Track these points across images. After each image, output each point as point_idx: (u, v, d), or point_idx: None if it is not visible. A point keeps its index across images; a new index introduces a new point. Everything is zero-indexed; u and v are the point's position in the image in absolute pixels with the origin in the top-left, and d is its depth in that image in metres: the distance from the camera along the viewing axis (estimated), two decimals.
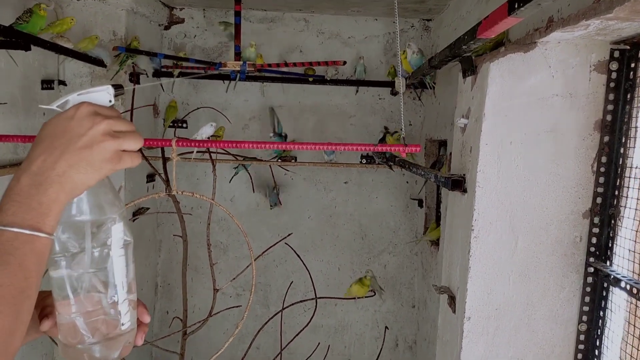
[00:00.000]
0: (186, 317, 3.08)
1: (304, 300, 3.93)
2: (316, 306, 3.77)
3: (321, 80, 3.76)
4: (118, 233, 0.80)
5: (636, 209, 1.73)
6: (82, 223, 0.77)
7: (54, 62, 3.08)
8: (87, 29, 3.12)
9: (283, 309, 3.80)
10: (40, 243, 0.70)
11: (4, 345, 0.67)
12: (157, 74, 3.74)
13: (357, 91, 4.00)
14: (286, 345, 3.86)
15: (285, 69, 3.61)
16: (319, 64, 3.45)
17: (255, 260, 1.65)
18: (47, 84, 2.98)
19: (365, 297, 3.66)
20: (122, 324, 0.81)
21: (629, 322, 1.73)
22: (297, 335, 3.80)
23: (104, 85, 0.79)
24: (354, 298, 3.66)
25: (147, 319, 0.88)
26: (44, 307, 0.85)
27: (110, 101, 0.79)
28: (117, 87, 0.80)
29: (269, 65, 3.35)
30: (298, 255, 3.86)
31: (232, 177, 4.01)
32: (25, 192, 0.70)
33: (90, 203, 0.78)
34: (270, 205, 4.08)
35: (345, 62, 3.46)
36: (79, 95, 0.77)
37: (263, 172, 4.15)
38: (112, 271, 0.80)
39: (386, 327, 4.26)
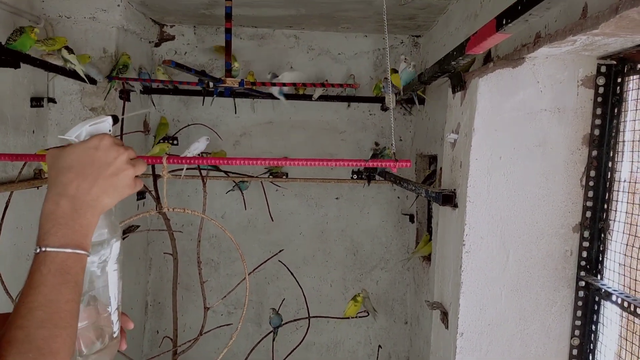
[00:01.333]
0: (176, 337, 3.04)
1: (297, 320, 3.90)
2: (309, 325, 3.75)
3: (312, 97, 3.78)
4: (116, 250, 0.88)
5: (625, 222, 1.74)
6: (95, 243, 0.85)
7: (43, 79, 3.07)
8: (78, 46, 3.11)
9: (275, 327, 3.76)
10: (84, 260, 0.80)
11: (69, 356, 0.75)
12: (147, 90, 3.73)
13: (348, 105, 4.02)
14: None
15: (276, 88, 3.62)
16: (332, 85, 3.54)
17: (248, 275, 1.63)
18: (36, 102, 2.95)
19: (359, 316, 3.64)
20: (114, 332, 0.89)
21: (621, 336, 1.73)
22: (290, 353, 3.76)
23: (105, 117, 0.89)
24: (347, 318, 3.64)
25: (130, 325, 0.96)
26: None
27: (109, 130, 0.89)
28: (114, 117, 0.91)
29: (273, 84, 3.39)
30: (291, 272, 3.83)
31: (228, 191, 4.03)
32: (69, 216, 0.79)
33: (103, 224, 0.86)
34: (273, 330, 3.83)
35: (359, 85, 3.58)
36: (90, 126, 0.86)
37: (265, 302, 4.15)
38: (108, 285, 0.88)
39: (379, 347, 4.23)
